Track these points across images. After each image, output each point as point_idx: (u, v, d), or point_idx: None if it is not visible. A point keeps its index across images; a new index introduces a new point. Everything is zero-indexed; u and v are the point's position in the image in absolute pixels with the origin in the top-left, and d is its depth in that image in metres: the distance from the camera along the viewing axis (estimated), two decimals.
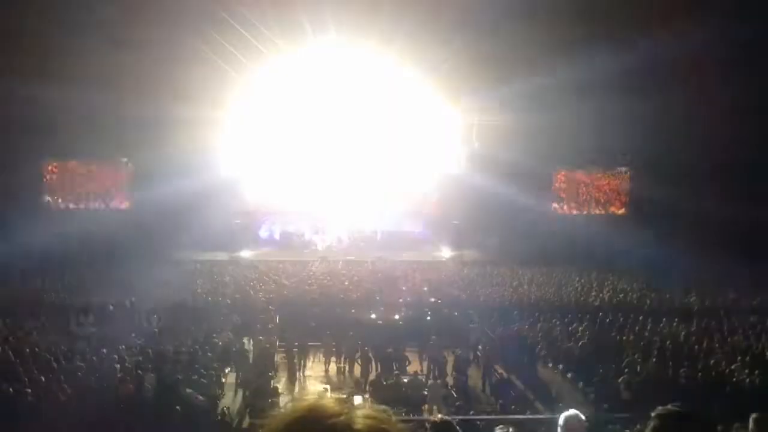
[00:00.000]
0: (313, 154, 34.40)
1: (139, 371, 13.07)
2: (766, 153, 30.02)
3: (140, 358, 14.17)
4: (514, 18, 28.91)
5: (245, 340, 16.91)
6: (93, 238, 28.82)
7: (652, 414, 2.83)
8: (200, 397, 12.12)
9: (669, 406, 2.84)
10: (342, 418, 1.79)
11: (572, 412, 5.14)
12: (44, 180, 33.02)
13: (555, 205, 35.58)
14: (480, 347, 17.40)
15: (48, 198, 33.28)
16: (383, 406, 1.86)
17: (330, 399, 1.85)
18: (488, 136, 33.33)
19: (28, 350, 14.01)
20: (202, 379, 13.09)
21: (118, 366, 13.00)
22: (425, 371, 16.02)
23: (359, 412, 1.83)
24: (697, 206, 29.82)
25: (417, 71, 33.30)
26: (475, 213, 33.08)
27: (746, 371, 13.62)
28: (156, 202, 30.77)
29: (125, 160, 33.52)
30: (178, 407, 11.37)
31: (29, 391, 11.39)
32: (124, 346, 14.85)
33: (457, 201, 33.85)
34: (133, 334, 16.11)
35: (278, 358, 16.64)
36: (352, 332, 17.34)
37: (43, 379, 12.32)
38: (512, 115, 30.95)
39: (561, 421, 5.06)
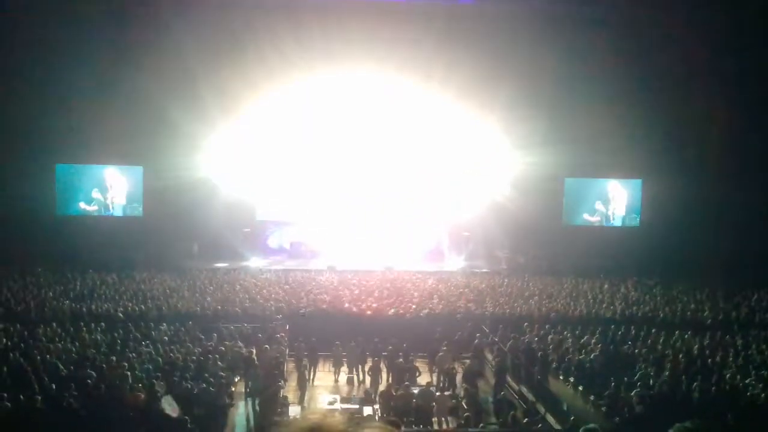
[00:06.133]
0: (328, 166, 34.37)
1: (149, 379, 13.07)
2: None
3: (150, 366, 14.19)
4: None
5: (254, 349, 16.88)
6: (104, 245, 29.00)
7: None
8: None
9: (686, 424, 2.80)
10: None
11: (591, 426, 5.10)
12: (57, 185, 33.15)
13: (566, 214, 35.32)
14: (490, 359, 17.30)
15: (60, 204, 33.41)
16: (393, 419, 1.85)
17: (336, 417, 1.82)
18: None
19: (38, 357, 14.05)
20: (211, 388, 13.06)
21: (128, 374, 12.99)
22: (435, 382, 15.94)
23: (365, 431, 1.80)
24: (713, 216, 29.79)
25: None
26: (485, 224, 33.07)
27: (761, 386, 13.45)
28: (167, 210, 30.93)
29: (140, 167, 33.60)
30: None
31: (39, 398, 11.40)
32: (133, 354, 14.91)
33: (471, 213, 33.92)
34: (143, 342, 16.13)
35: (288, 367, 16.61)
36: (357, 342, 17.31)
37: (54, 386, 12.35)
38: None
39: None
